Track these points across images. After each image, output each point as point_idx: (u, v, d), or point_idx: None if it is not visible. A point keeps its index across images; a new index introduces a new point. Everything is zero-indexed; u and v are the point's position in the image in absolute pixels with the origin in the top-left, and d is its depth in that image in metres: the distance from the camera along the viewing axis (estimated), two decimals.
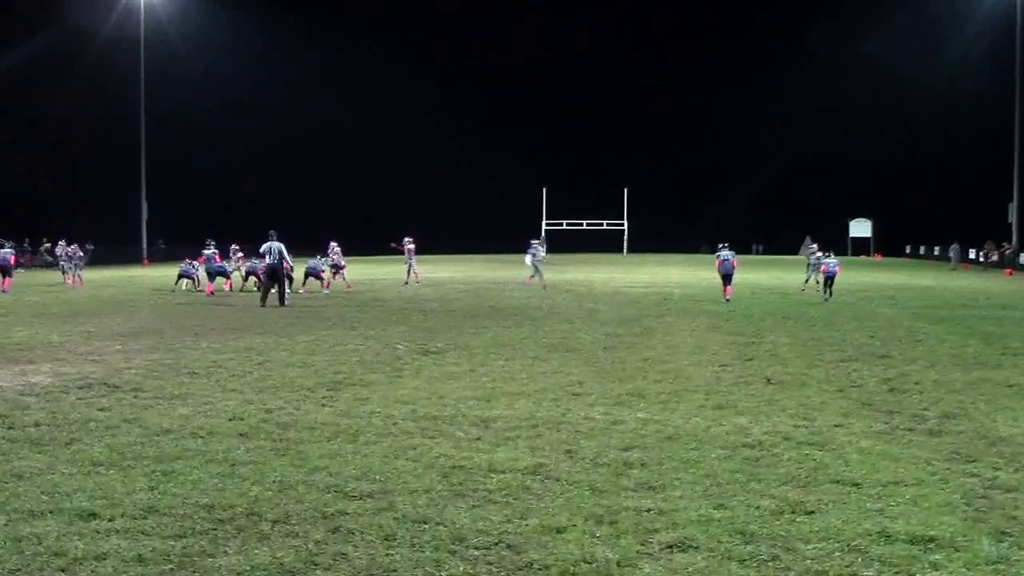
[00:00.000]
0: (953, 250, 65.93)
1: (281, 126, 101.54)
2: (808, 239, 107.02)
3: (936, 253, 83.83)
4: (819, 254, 36.81)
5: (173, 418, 11.12)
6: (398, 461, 9.09)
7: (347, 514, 7.46)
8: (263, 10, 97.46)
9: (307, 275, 34.93)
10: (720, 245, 32.60)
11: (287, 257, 30.00)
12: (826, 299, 31.14)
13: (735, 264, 31.83)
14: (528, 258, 38.11)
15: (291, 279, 33.56)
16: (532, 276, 37.44)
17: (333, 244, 38.26)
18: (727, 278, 31.34)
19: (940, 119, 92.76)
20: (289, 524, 7.23)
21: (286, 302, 28.25)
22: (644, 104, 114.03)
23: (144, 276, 47.84)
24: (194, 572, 6.31)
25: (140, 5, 71.51)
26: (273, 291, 28.62)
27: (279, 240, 29.43)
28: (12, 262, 37.97)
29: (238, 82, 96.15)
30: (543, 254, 37.63)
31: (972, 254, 68.47)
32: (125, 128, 74.91)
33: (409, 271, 40.82)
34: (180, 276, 36.41)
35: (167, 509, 7.55)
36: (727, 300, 30.30)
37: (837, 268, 32.64)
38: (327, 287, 34.71)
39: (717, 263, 32.10)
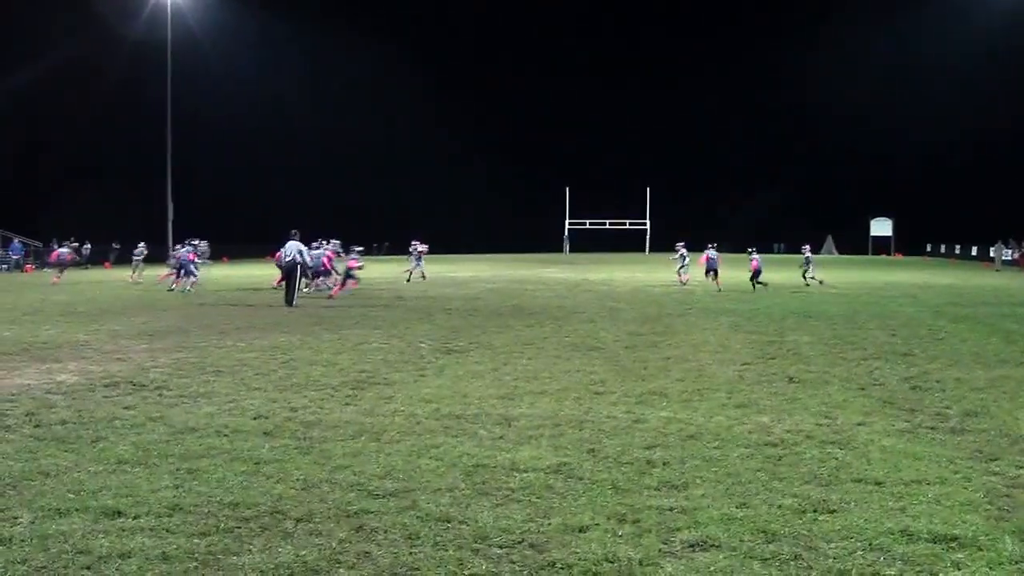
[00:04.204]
0: (996, 249, 65.27)
1: (307, 128, 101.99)
2: (830, 238, 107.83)
3: (957, 252, 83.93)
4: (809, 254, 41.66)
5: (198, 416, 11.19)
6: (421, 460, 9.12)
7: (370, 513, 7.48)
8: (293, 14, 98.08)
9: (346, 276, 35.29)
10: (709, 245, 38.72)
11: (307, 257, 30.15)
12: (815, 283, 36.94)
13: (719, 261, 38.30)
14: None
15: (308, 276, 33.64)
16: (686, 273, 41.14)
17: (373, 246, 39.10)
18: (714, 272, 37.73)
19: (960, 119, 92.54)
20: (313, 522, 7.25)
21: (294, 302, 28.31)
22: (667, 105, 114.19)
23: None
24: (218, 570, 6.32)
25: (168, 8, 72.06)
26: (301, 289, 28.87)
27: (299, 240, 29.66)
28: (68, 260, 44.40)
29: (265, 84, 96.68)
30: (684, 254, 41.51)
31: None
32: (152, 130, 75.54)
33: (414, 268, 42.32)
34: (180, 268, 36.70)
35: (192, 507, 7.59)
36: (719, 290, 35.65)
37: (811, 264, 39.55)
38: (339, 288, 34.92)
39: (703, 259, 38.56)
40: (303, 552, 6.62)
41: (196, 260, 37.36)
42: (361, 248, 38.22)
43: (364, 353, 17.24)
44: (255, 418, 11.09)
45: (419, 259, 42.47)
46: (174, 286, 35.90)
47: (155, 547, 6.69)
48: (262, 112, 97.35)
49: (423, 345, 18.41)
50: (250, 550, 6.67)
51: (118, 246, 64.63)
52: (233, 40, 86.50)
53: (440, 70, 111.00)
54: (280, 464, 8.92)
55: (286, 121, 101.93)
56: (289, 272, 29.09)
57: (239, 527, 7.14)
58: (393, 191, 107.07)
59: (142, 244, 47.18)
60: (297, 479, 8.40)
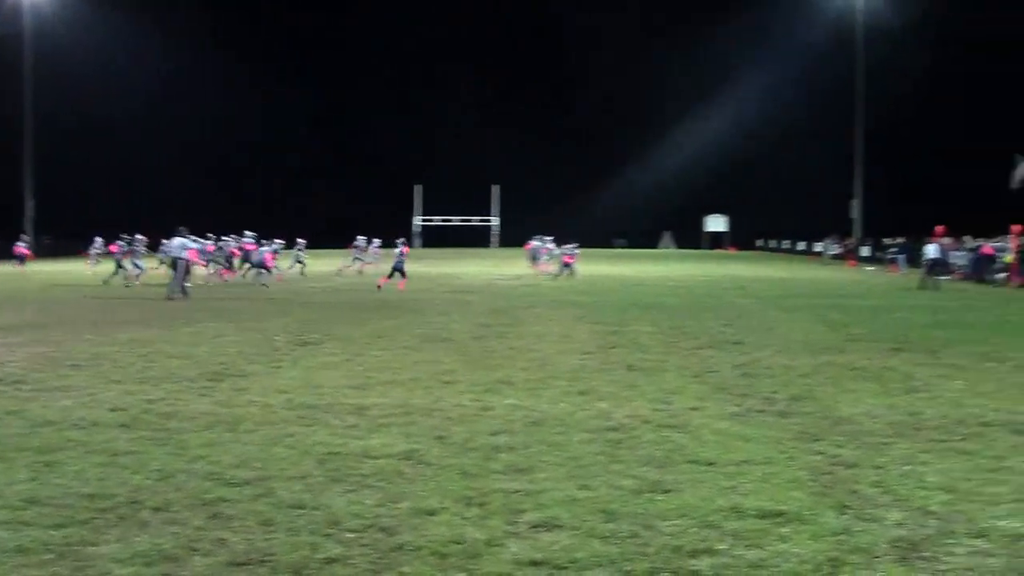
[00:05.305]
0: (824, 245, 67.71)
1: (165, 122, 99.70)
2: (668, 235, 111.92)
3: (785, 247, 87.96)
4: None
5: (55, 410, 11.09)
6: (276, 448, 9.25)
7: (226, 501, 7.58)
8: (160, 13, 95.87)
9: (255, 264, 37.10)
10: (535, 237, 44.86)
11: (185, 253, 30.31)
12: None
13: (543, 252, 43.63)
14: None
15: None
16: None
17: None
18: (535, 260, 43.83)
19: (787, 121, 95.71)
20: (169, 511, 7.32)
21: (184, 291, 28.75)
22: (511, 106, 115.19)
23: (28, 272, 46.80)
24: (75, 561, 6.33)
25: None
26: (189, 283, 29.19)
27: (187, 237, 30.55)
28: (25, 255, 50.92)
29: (132, 81, 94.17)
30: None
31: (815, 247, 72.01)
32: (10, 126, 73.65)
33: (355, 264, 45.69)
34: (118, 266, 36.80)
35: (48, 499, 7.58)
36: (538, 275, 41.12)
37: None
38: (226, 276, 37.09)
39: (527, 247, 45.34)
40: (160, 540, 6.68)
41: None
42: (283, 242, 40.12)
43: (221, 346, 17.23)
44: (112, 410, 11.04)
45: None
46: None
47: (10, 540, 6.68)
48: (132, 109, 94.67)
49: (278, 338, 18.44)
50: (107, 540, 6.71)
51: None
52: (99, 37, 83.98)
53: (290, 68, 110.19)
54: (137, 455, 8.95)
55: (154, 119, 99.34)
56: (174, 266, 29.29)
57: (96, 518, 7.17)
58: (245, 188, 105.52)
59: (99, 239, 49.03)
60: (154, 469, 8.45)
